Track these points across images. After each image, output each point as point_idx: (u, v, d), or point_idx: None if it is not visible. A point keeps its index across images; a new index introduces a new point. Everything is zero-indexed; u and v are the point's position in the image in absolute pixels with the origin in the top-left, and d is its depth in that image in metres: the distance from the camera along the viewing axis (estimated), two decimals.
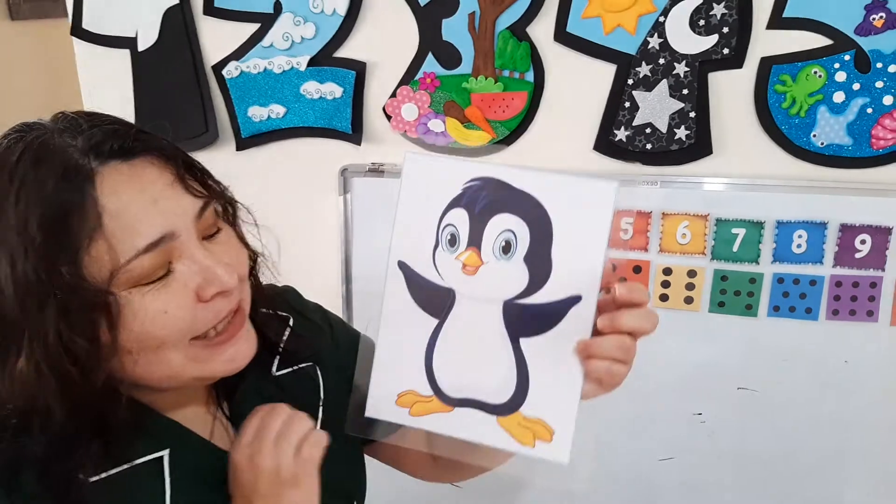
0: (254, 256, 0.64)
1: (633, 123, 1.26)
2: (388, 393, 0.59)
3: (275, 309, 0.71)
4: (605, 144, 1.28)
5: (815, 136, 1.20)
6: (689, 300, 1.32)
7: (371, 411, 0.60)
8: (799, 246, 1.26)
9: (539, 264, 0.54)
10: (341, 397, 0.66)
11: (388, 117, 1.35)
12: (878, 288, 1.26)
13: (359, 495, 0.76)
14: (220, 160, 1.17)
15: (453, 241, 0.55)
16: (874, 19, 1.12)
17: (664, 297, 1.33)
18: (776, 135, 1.22)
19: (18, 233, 0.48)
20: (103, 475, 0.55)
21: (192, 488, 0.59)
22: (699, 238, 1.28)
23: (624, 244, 1.32)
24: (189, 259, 0.53)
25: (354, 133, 1.36)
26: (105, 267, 0.49)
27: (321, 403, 0.70)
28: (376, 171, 1.38)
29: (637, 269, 1.33)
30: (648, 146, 1.26)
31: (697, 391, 1.36)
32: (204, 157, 0.60)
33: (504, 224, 0.53)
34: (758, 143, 1.23)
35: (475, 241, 0.54)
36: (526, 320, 0.55)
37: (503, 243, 0.54)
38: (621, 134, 1.27)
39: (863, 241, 1.24)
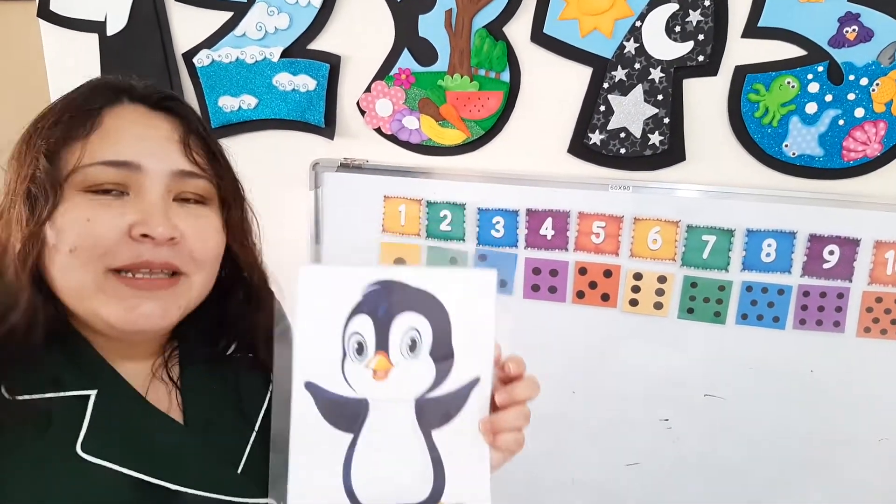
0: (254, 254, 0.71)
1: (608, 127, 1.25)
2: None
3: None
4: (579, 147, 1.28)
5: (787, 146, 1.21)
6: (658, 306, 1.32)
7: None
8: (768, 255, 1.26)
9: (443, 356, 0.56)
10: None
11: (362, 112, 1.33)
12: (845, 299, 1.26)
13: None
14: None
15: (361, 349, 0.55)
16: (847, 32, 1.13)
17: (634, 303, 1.32)
18: (748, 143, 1.22)
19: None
20: (26, 397, 0.57)
21: (110, 436, 0.59)
22: (670, 244, 1.28)
23: (595, 248, 1.31)
24: (142, 197, 0.58)
25: (327, 127, 1.34)
26: (70, 164, 0.57)
27: (270, 389, 0.71)
28: (349, 166, 1.36)
29: (608, 274, 1.32)
30: (622, 151, 1.26)
31: (664, 397, 1.36)
32: None
33: (408, 323, 0.55)
34: (730, 151, 1.23)
35: (382, 344, 0.55)
36: (436, 412, 0.56)
37: (409, 342, 0.55)
38: (596, 137, 1.26)
39: (831, 252, 1.25)
